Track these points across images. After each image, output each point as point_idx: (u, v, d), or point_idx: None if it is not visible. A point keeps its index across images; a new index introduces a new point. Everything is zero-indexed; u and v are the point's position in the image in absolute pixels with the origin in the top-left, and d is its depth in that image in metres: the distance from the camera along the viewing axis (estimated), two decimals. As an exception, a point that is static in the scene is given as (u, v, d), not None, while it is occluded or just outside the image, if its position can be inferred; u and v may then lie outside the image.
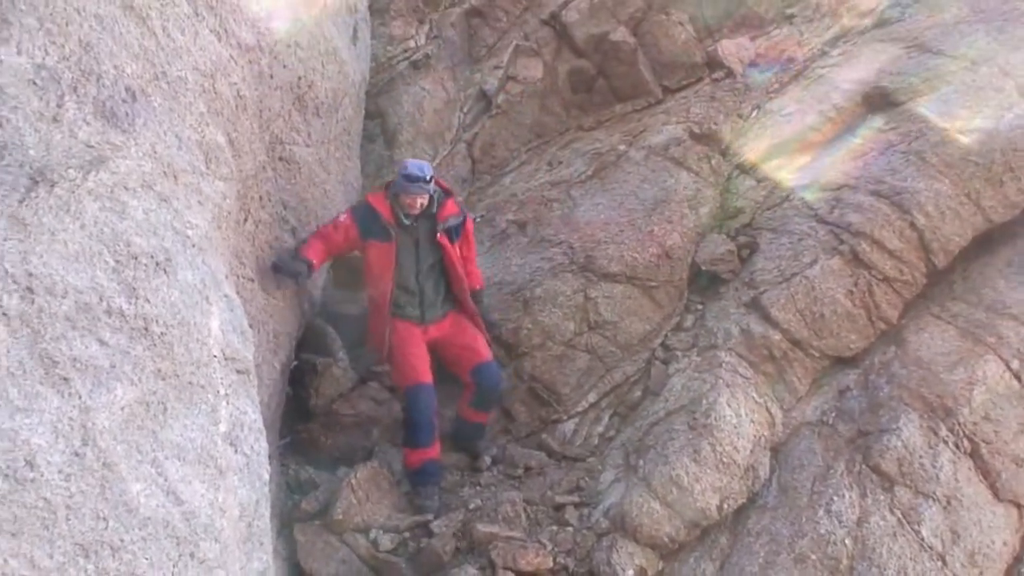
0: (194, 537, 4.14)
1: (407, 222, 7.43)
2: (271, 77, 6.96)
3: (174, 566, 4.01)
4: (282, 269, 6.93)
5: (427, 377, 7.45)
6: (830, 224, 8.01)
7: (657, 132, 9.62)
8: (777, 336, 7.60)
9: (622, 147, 9.57)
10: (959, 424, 7.08)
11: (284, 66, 7.27)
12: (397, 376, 7.83)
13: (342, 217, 7.50)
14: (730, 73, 10.30)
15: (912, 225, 7.79)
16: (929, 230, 7.78)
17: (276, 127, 7.20)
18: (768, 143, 9.14)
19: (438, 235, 7.52)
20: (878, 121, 8.76)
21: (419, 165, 7.45)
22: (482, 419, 7.88)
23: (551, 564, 6.70)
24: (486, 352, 7.68)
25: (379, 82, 10.71)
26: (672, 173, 9.00)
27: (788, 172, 8.77)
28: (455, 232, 7.67)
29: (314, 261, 7.19)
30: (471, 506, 7.11)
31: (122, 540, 3.75)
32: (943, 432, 7.07)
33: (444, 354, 7.74)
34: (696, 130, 9.47)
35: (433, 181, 7.47)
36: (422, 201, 7.36)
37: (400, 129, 10.34)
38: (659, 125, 9.77)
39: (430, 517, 7.17)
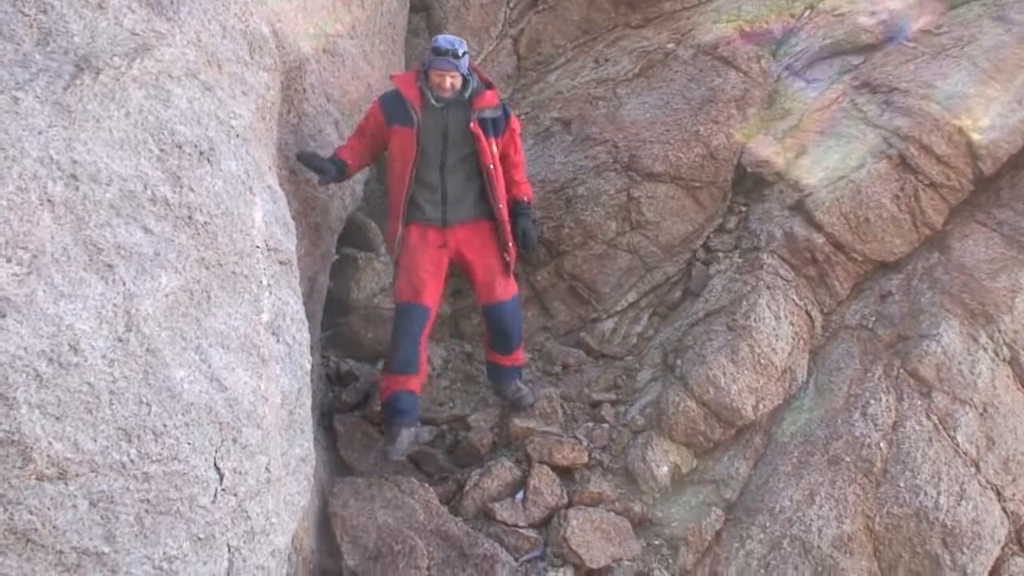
0: (236, 423, 4.21)
1: (436, 105, 6.61)
2: (317, -33, 6.89)
3: (216, 451, 4.08)
4: (307, 161, 6.35)
5: (426, 297, 6.69)
6: (879, 127, 7.87)
7: (706, 31, 9.43)
8: (820, 239, 7.52)
9: (670, 45, 9.41)
10: (999, 331, 7.02)
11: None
12: (396, 286, 6.98)
13: (372, 106, 6.80)
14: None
15: (960, 131, 7.64)
16: (977, 134, 7.61)
17: (320, 18, 7.13)
18: (820, 43, 8.96)
19: (471, 123, 6.63)
20: (931, 24, 8.56)
21: (450, 39, 6.65)
22: (505, 361, 7.10)
23: (586, 459, 6.77)
24: (503, 290, 6.87)
25: (425, -26, 10.58)
26: (720, 73, 8.84)
27: (839, 73, 8.63)
28: (493, 127, 6.76)
29: (349, 162, 6.57)
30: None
31: (165, 425, 3.81)
32: (983, 339, 7.02)
33: (464, 270, 7.04)
34: (747, 29, 9.29)
35: (467, 60, 6.65)
36: (452, 80, 6.57)
37: (445, 23, 10.19)
38: (709, 24, 9.57)
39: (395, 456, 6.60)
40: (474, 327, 7.62)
